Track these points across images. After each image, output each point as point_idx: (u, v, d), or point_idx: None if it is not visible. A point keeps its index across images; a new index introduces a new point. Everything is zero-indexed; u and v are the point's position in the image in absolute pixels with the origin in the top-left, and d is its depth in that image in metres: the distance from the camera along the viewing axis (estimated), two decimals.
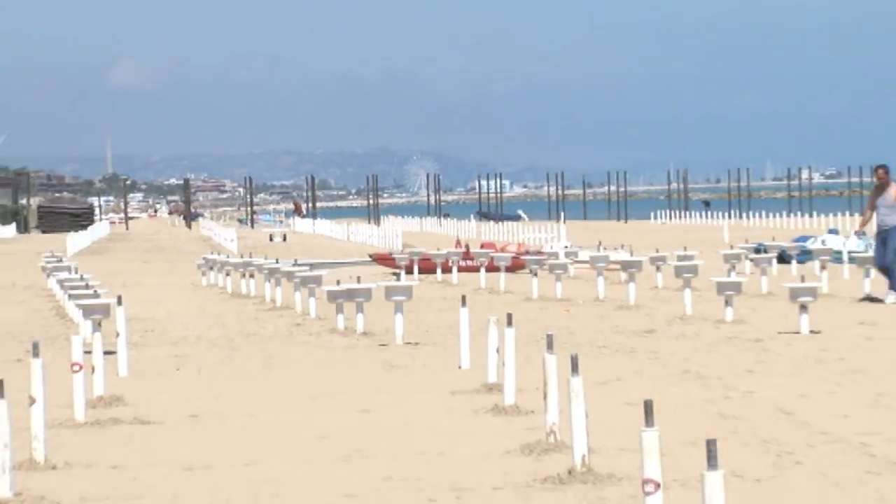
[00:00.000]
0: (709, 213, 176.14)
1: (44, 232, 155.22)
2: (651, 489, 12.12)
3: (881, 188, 37.29)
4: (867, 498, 14.28)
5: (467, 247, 65.32)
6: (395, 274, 52.24)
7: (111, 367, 25.07)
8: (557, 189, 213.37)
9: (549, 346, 17.61)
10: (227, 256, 65.14)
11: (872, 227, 38.68)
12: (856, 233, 41.33)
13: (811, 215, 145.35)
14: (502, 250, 61.22)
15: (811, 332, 29.94)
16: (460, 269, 55.32)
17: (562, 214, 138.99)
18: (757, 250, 54.85)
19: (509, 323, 21.31)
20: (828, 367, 24.83)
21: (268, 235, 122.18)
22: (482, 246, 69.04)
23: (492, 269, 51.92)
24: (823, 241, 65.28)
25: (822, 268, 47.62)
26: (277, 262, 48.53)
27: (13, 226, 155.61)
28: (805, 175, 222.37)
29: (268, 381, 25.55)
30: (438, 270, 56.21)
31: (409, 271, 54.15)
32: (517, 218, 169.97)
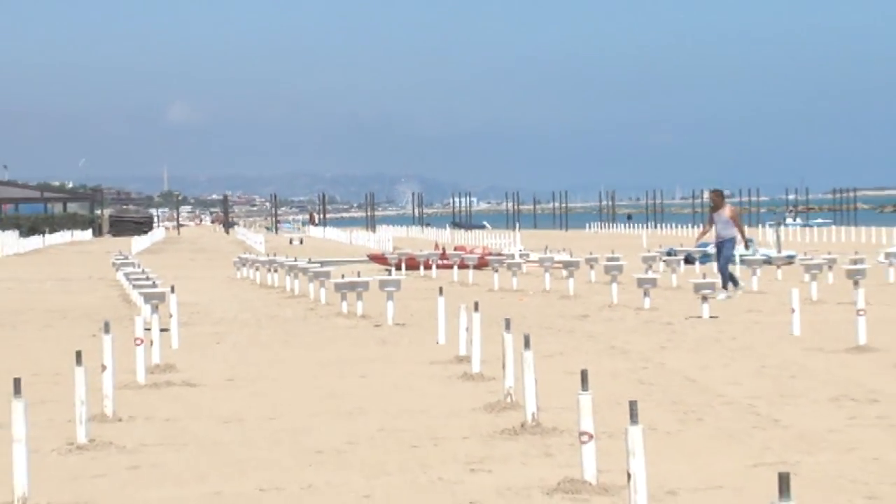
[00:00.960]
0: (631, 224, 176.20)
1: (114, 236, 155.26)
2: (586, 439, 12.09)
3: (716, 207, 37.29)
4: (753, 447, 14.27)
5: (444, 249, 65.27)
6: (387, 270, 52.14)
7: (165, 341, 25.04)
8: (514, 204, 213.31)
9: (507, 327, 17.61)
10: (257, 256, 65.05)
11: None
12: (737, 242, 40.96)
13: (704, 225, 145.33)
14: (471, 252, 61.17)
15: (711, 317, 29.96)
16: (438, 267, 55.33)
17: (517, 224, 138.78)
18: (668, 253, 54.88)
19: (476, 309, 21.32)
20: (723, 344, 24.84)
21: (288, 239, 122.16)
22: (455, 248, 68.94)
23: (463, 266, 51.95)
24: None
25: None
26: (296, 260, 48.53)
27: (90, 231, 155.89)
28: (706, 196, 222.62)
29: (287, 352, 25.49)
30: (421, 267, 56.20)
31: (399, 268, 54.15)
32: (482, 227, 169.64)
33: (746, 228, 42.35)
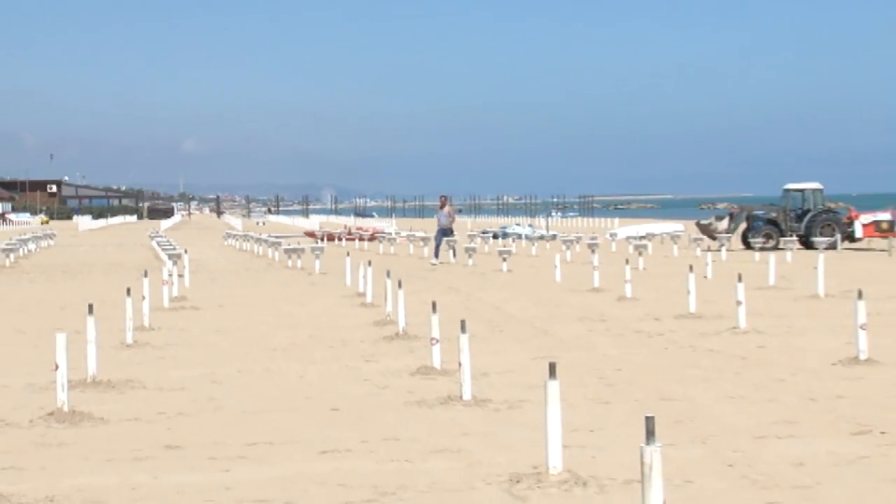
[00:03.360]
0: (462, 214, 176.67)
1: (150, 219, 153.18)
2: (434, 342, 12.10)
3: (442, 206, 35.73)
4: (533, 348, 14.37)
5: (349, 229, 65.06)
6: (316, 241, 51.80)
7: (181, 282, 24.77)
8: (392, 203, 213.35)
9: (388, 275, 17.61)
10: (237, 232, 64.44)
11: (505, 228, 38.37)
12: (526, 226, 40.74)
13: (507, 216, 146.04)
14: (366, 231, 61.00)
15: (508, 270, 30.12)
16: (347, 239, 55.21)
17: (392, 214, 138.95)
18: (484, 232, 55.17)
19: (369, 264, 21.32)
20: (514, 286, 24.98)
21: (255, 222, 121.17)
22: (357, 228, 68.71)
23: (361, 239, 51.92)
24: (514, 229, 65.86)
25: (513, 241, 48.07)
26: (261, 235, 48.20)
27: (135, 216, 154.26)
28: (505, 198, 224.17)
29: (255, 290, 25.29)
30: (336, 240, 56.04)
31: (323, 240, 53.85)
32: (372, 216, 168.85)
33: (531, 219, 42.43)
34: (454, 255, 35.45)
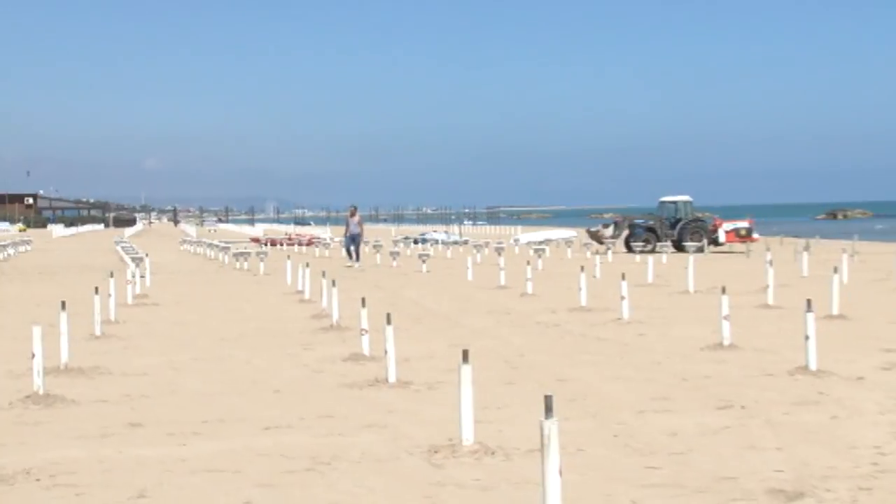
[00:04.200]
0: (387, 224, 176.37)
1: (116, 227, 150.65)
2: (364, 333, 12.06)
3: (352, 215, 33.59)
4: (449, 336, 14.37)
5: (290, 236, 64.61)
6: (261, 246, 51.35)
7: (143, 282, 24.39)
8: (327, 213, 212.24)
9: (323, 275, 17.51)
10: (191, 238, 63.58)
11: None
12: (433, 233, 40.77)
13: (426, 224, 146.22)
14: (304, 237, 60.61)
15: (427, 271, 30.14)
16: (287, 245, 54.79)
17: (327, 223, 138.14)
18: (406, 238, 55.16)
19: (307, 266, 21.18)
20: (433, 284, 25.00)
21: (208, 230, 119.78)
22: (296, 235, 68.27)
23: (300, 244, 51.62)
24: (432, 235, 65.91)
25: (432, 245, 48.04)
26: (212, 241, 47.62)
27: (102, 225, 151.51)
28: (424, 209, 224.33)
29: (208, 289, 24.97)
30: (278, 245, 55.57)
31: (266, 245, 53.42)
32: (309, 224, 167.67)
33: (447, 227, 42.49)
34: (357, 258, 33.65)
